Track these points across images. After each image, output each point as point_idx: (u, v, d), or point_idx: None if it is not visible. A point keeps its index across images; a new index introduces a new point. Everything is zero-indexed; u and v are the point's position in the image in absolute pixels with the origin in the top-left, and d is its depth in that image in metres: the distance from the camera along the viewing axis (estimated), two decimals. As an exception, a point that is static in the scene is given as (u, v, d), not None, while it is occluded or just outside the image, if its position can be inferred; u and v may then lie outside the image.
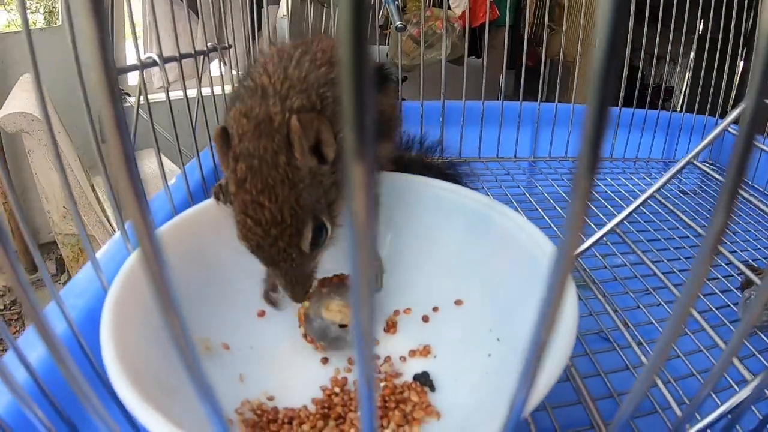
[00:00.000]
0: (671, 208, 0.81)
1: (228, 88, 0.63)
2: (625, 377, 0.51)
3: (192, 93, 0.59)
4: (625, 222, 0.63)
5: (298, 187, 0.38)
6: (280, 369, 0.48)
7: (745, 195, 0.73)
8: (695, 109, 1.15)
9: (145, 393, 0.33)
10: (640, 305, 0.63)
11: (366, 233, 0.14)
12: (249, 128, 0.39)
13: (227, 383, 0.46)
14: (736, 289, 0.69)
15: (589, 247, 0.63)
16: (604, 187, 0.97)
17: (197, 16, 1.10)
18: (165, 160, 0.62)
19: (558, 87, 1.06)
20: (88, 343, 0.40)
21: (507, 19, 2.23)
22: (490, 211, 0.50)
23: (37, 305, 0.21)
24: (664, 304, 0.63)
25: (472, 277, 0.51)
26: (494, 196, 0.89)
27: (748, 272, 0.59)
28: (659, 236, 0.82)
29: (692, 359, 0.53)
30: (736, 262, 0.62)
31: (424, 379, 0.46)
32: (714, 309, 0.63)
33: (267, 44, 1.06)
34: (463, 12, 2.23)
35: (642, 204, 0.63)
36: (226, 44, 0.67)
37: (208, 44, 0.61)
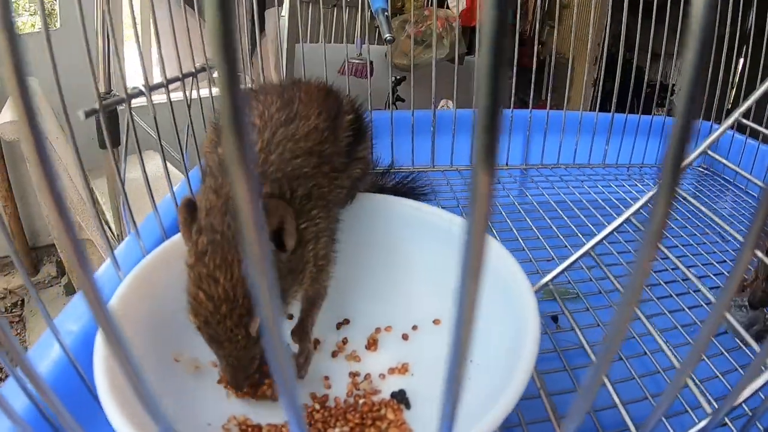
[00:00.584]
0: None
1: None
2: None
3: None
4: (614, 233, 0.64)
5: None
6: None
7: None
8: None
9: (136, 418, 0.34)
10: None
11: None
12: (216, 204, 0.39)
13: (216, 400, 0.47)
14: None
15: (562, 271, 0.64)
16: (594, 195, 0.97)
17: (201, 18, 1.11)
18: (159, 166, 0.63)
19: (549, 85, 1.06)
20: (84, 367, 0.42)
21: (511, 17, 2.23)
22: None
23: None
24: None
25: (449, 297, 0.52)
26: (464, 207, 0.90)
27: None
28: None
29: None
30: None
31: (400, 397, 0.48)
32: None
33: (270, 44, 1.07)
34: (462, 11, 2.23)
35: (623, 222, 0.64)
36: (206, 65, 0.67)
37: (197, 65, 0.62)
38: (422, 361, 0.51)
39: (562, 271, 0.61)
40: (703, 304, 0.68)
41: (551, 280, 0.61)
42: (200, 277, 0.38)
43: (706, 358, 0.56)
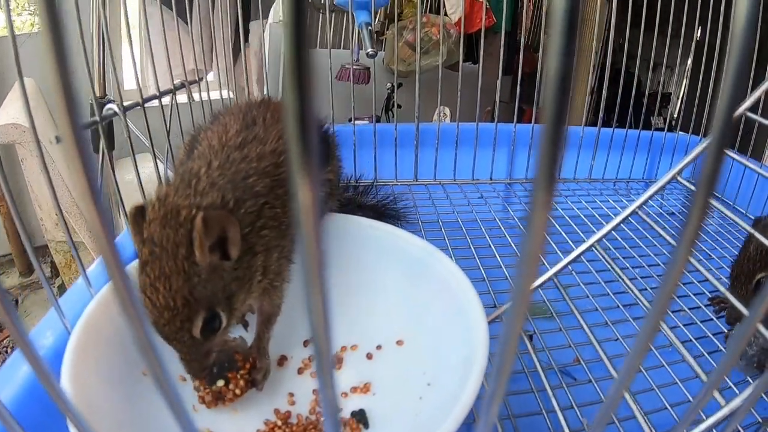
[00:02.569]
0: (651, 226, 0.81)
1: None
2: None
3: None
4: (604, 241, 0.64)
5: (193, 280, 0.40)
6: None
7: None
8: (693, 117, 1.13)
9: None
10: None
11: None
12: (158, 216, 0.41)
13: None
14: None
15: (548, 279, 0.64)
16: (577, 210, 0.98)
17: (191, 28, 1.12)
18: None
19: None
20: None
21: (503, 26, 2.24)
22: (429, 257, 0.53)
23: None
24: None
25: (411, 319, 0.54)
26: (465, 222, 0.91)
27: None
28: (644, 262, 0.84)
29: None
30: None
31: (359, 417, 0.49)
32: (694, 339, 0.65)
33: (253, 56, 1.09)
34: (459, 18, 2.24)
35: (606, 234, 0.64)
36: (196, 77, 0.69)
37: (175, 81, 0.63)
38: (384, 381, 0.53)
39: (538, 287, 0.62)
40: (681, 325, 0.69)
41: (538, 287, 0.62)
42: (144, 285, 0.40)
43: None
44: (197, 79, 0.71)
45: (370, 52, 0.88)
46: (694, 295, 0.76)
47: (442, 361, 0.48)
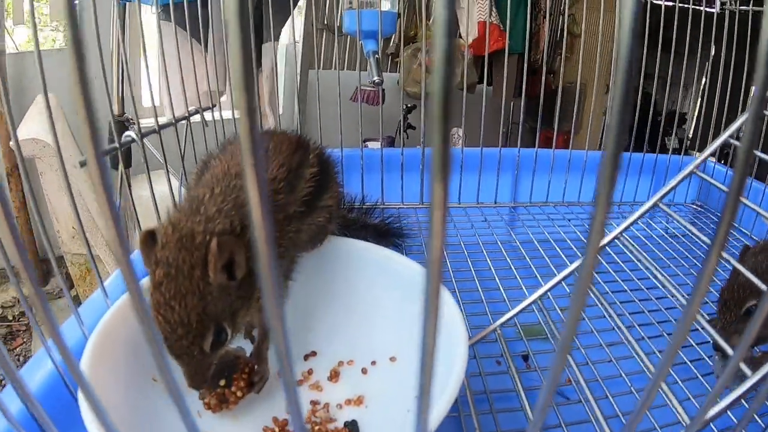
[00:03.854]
0: (642, 252, 0.82)
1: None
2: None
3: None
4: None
5: (207, 298, 0.44)
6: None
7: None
8: (709, 136, 1.12)
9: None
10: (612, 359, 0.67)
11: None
12: (172, 239, 0.44)
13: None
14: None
15: (518, 312, 0.66)
16: (579, 233, 1.00)
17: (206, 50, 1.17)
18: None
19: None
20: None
21: (518, 47, 2.28)
22: (422, 279, 0.56)
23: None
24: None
25: (404, 338, 0.57)
26: (467, 245, 0.93)
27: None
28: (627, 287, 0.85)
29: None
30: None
31: (352, 427, 0.52)
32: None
33: (265, 80, 1.14)
34: (474, 40, 2.28)
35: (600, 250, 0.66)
36: (210, 99, 0.73)
37: (190, 108, 0.67)
38: (376, 394, 0.56)
39: (518, 313, 0.64)
40: (693, 344, 0.70)
41: (506, 321, 0.64)
42: (158, 304, 0.44)
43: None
44: (211, 105, 0.75)
45: (377, 80, 0.92)
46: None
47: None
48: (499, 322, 0.64)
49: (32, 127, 1.30)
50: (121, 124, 1.27)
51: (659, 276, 0.84)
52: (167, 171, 0.70)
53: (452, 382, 0.43)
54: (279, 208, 0.51)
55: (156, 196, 0.67)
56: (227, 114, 0.90)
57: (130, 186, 0.64)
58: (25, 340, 1.89)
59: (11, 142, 1.28)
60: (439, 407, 0.41)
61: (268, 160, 0.53)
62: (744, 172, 0.19)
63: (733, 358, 0.26)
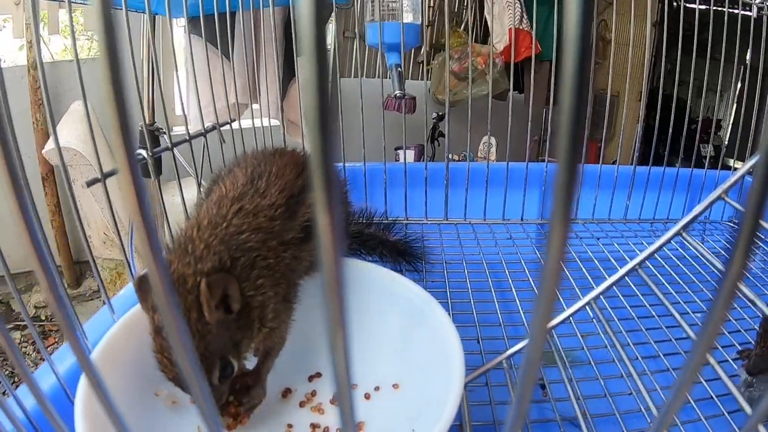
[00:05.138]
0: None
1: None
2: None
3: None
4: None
5: (207, 337, 0.45)
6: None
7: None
8: (749, 143, 1.06)
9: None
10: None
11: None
12: None
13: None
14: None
15: (556, 325, 0.64)
16: (607, 253, 0.96)
17: (233, 63, 1.19)
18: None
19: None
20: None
21: (552, 53, 2.23)
22: (425, 306, 0.55)
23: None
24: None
25: (407, 364, 0.56)
26: (489, 263, 0.91)
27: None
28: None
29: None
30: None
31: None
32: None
33: (298, 91, 1.13)
34: (505, 48, 2.25)
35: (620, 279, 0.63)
36: (229, 119, 0.74)
37: (207, 124, 0.68)
38: (377, 422, 0.54)
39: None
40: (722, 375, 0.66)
41: (516, 352, 0.62)
42: (162, 347, 0.45)
43: None
44: (230, 120, 0.75)
45: (398, 94, 0.91)
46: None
47: (429, 406, 0.49)
48: (506, 354, 0.62)
49: (64, 136, 1.34)
50: (152, 132, 1.30)
51: (689, 300, 0.80)
52: (197, 174, 0.71)
53: (442, 422, 0.42)
54: (275, 234, 0.51)
55: (187, 202, 0.69)
56: (249, 124, 0.91)
57: (161, 191, 0.66)
58: (57, 339, 1.95)
59: (43, 150, 1.32)
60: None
61: (269, 185, 0.52)
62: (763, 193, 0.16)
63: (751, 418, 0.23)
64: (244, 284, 0.47)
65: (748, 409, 0.51)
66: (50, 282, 0.19)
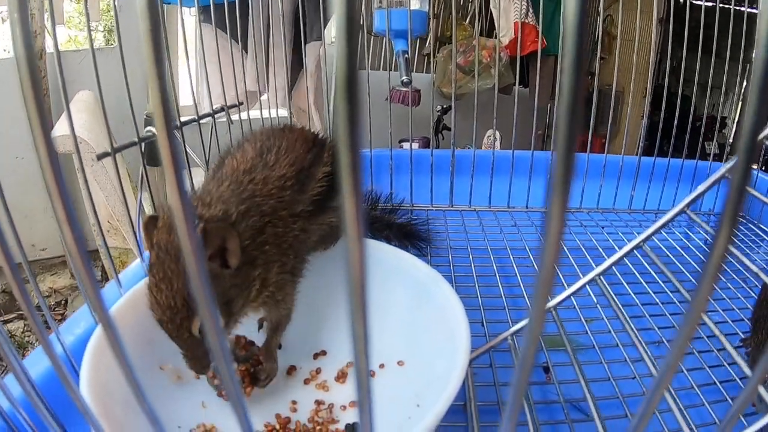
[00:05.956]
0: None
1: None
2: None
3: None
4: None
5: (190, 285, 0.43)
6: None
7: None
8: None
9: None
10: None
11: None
12: (165, 224, 0.45)
13: (190, 408, 0.53)
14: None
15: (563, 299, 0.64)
16: (612, 242, 0.96)
17: (246, 51, 1.19)
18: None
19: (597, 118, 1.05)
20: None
21: (558, 48, 2.23)
22: (432, 282, 0.55)
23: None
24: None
25: (412, 341, 0.56)
26: (494, 249, 0.91)
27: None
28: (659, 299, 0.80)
29: None
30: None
31: (352, 430, 0.51)
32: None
33: (309, 79, 1.14)
34: (510, 41, 2.24)
35: (619, 260, 0.64)
36: (237, 102, 0.74)
37: (215, 106, 0.68)
38: (381, 398, 0.54)
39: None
40: (725, 364, 0.66)
41: (519, 329, 0.62)
42: (152, 284, 0.45)
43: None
44: (237, 103, 0.76)
45: (405, 80, 0.91)
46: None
47: (431, 384, 0.49)
48: (511, 331, 0.62)
49: (67, 125, 1.34)
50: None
51: (693, 288, 0.80)
52: (206, 161, 0.71)
53: (446, 393, 0.42)
54: (284, 204, 0.50)
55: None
56: (257, 115, 0.91)
57: (149, 182, 0.66)
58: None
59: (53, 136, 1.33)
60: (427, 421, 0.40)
61: (279, 158, 0.52)
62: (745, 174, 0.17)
63: (750, 380, 0.23)
64: (246, 242, 0.46)
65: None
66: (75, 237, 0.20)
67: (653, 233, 0.58)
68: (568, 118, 0.14)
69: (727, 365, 0.67)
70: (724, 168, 0.56)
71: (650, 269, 0.85)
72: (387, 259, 0.62)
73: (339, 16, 0.13)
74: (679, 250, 0.95)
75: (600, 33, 2.29)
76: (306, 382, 0.58)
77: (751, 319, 0.59)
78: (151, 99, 0.15)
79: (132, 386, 0.22)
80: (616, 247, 0.92)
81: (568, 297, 0.65)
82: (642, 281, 0.84)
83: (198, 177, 0.77)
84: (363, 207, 0.15)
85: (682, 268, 0.87)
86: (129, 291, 0.55)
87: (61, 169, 0.19)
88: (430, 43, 2.52)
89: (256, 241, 0.47)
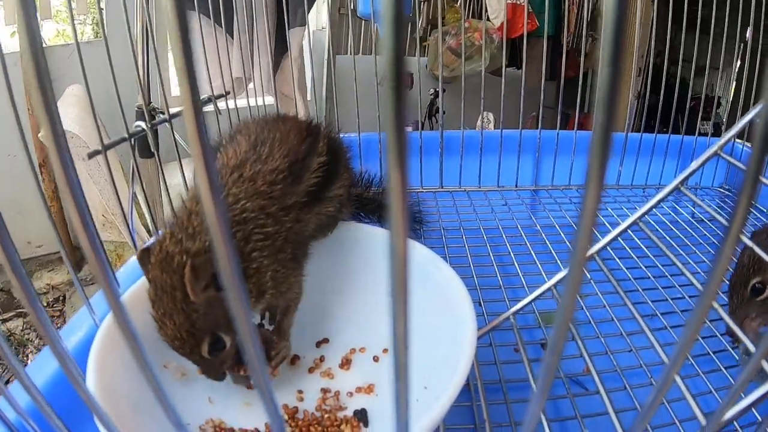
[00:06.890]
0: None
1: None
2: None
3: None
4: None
5: (192, 316, 0.44)
6: (241, 396, 0.55)
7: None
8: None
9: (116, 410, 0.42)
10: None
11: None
12: (157, 260, 0.45)
13: (197, 404, 0.53)
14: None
15: (545, 290, 0.65)
16: (602, 217, 0.97)
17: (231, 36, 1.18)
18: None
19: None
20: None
21: (546, 30, 2.23)
22: (431, 265, 0.56)
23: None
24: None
25: (416, 323, 0.56)
26: (486, 229, 0.92)
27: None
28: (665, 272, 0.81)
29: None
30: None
31: (360, 415, 0.51)
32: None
33: (292, 66, 1.13)
34: (502, 23, 2.23)
35: (616, 237, 0.64)
36: (224, 92, 0.73)
37: (202, 96, 0.67)
38: (387, 383, 0.55)
39: (533, 300, 0.63)
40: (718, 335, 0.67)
41: (521, 308, 0.63)
42: (156, 318, 0.46)
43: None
44: (224, 93, 0.75)
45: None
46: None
47: (437, 366, 0.50)
48: (512, 310, 0.63)
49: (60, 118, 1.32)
50: (150, 112, 1.28)
51: (684, 262, 0.81)
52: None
53: (457, 376, 0.43)
54: (273, 200, 0.50)
55: (188, 183, 0.68)
56: (243, 104, 0.90)
57: (140, 175, 0.65)
58: (59, 325, 1.96)
59: (39, 134, 1.31)
60: (437, 409, 0.41)
61: (273, 150, 0.52)
62: (763, 149, 0.17)
63: (755, 354, 0.24)
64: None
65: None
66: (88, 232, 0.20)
67: (648, 210, 0.58)
68: (606, 108, 0.14)
69: (719, 336, 0.68)
70: (716, 145, 0.56)
71: (641, 244, 0.87)
72: (384, 243, 0.61)
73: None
74: (668, 224, 0.97)
75: (592, 13, 2.28)
76: (311, 370, 0.59)
77: (728, 286, 0.61)
78: (178, 80, 0.15)
79: (146, 376, 0.22)
80: (606, 223, 0.93)
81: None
82: (633, 256, 0.85)
83: (189, 170, 0.76)
84: (408, 205, 0.15)
85: (672, 242, 0.89)
86: (128, 290, 0.55)
87: (69, 159, 0.18)
88: (421, 26, 2.50)
89: (244, 253, 0.48)
